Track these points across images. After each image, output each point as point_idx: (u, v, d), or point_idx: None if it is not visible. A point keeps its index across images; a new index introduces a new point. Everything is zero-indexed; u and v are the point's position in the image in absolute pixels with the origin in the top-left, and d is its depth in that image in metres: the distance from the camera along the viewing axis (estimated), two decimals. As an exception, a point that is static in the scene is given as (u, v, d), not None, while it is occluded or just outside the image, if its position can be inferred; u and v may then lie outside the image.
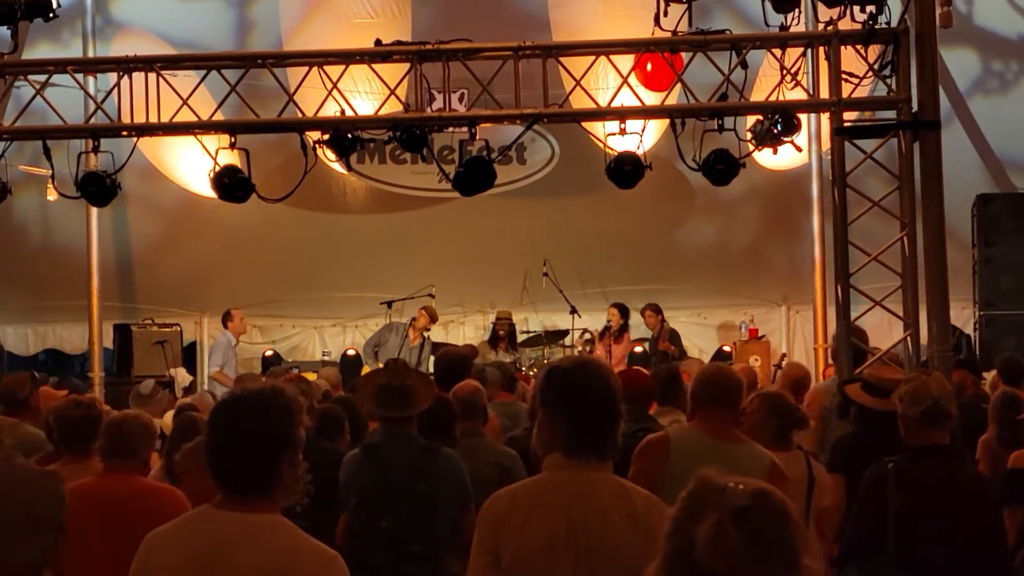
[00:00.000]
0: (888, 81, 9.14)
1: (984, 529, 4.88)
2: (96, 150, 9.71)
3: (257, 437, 3.10)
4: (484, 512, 3.52)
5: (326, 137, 9.75)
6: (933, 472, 4.87)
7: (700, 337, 15.27)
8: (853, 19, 9.01)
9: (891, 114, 9.24)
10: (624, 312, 14.10)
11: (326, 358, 14.69)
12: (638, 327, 14.93)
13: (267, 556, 3.06)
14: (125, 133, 9.98)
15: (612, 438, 3.49)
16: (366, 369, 13.48)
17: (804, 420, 5.73)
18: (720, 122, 9.32)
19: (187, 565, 3.08)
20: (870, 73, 9.25)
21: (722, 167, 9.55)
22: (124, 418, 5.24)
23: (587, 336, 14.11)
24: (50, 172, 10.27)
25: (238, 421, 3.13)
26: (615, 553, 3.36)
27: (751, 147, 10.00)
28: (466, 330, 15.61)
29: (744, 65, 9.33)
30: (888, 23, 8.97)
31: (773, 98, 9.63)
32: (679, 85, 9.58)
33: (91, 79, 11.18)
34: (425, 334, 13.70)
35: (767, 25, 9.26)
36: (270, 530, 3.11)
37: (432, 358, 13.25)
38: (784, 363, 13.19)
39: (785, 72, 9.43)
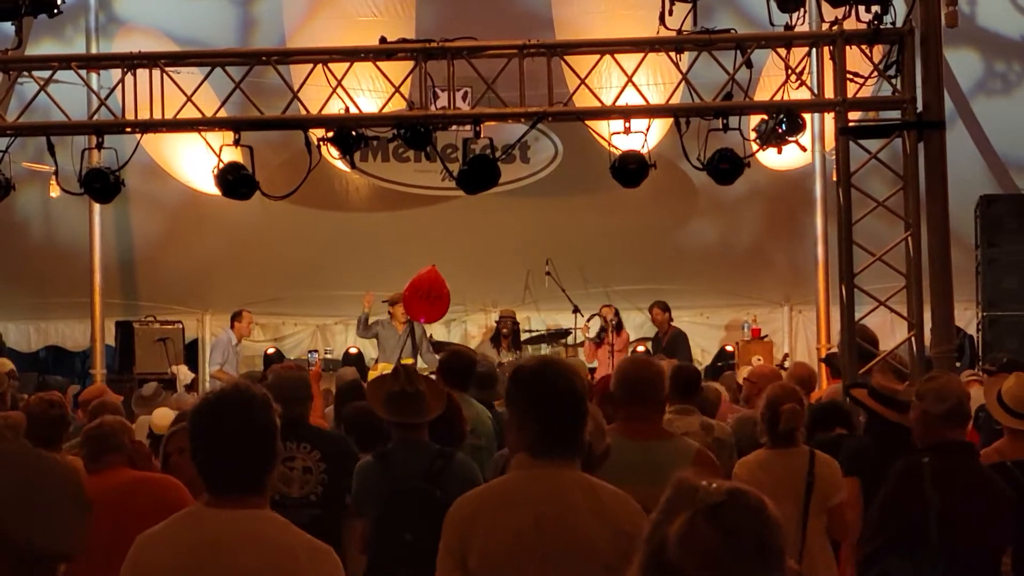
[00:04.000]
0: (893, 81, 9.14)
1: (1014, 523, 4.94)
2: (100, 147, 9.72)
3: (243, 435, 3.11)
4: (451, 515, 3.51)
5: (330, 135, 9.74)
6: (964, 467, 4.95)
7: (702, 337, 15.25)
8: (858, 19, 9.00)
9: (896, 114, 9.23)
10: (615, 310, 14.12)
11: (328, 356, 14.67)
12: (641, 327, 14.92)
13: (264, 551, 3.06)
14: (129, 130, 9.99)
15: (579, 436, 3.49)
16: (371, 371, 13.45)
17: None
18: (724, 121, 9.32)
19: (184, 563, 3.07)
20: (875, 73, 9.24)
21: (726, 166, 9.56)
22: (100, 422, 5.22)
23: (581, 339, 14.10)
24: (53, 169, 10.27)
25: (222, 421, 3.13)
26: (584, 549, 3.35)
27: (755, 146, 9.99)
28: (468, 328, 15.60)
29: (749, 64, 9.34)
30: (893, 23, 8.97)
31: (778, 98, 9.62)
32: (684, 84, 9.58)
33: (95, 75, 11.17)
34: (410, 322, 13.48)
35: (772, 25, 9.26)
36: (265, 525, 3.11)
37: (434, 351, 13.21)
38: (787, 363, 13.19)
39: (790, 72, 9.42)
